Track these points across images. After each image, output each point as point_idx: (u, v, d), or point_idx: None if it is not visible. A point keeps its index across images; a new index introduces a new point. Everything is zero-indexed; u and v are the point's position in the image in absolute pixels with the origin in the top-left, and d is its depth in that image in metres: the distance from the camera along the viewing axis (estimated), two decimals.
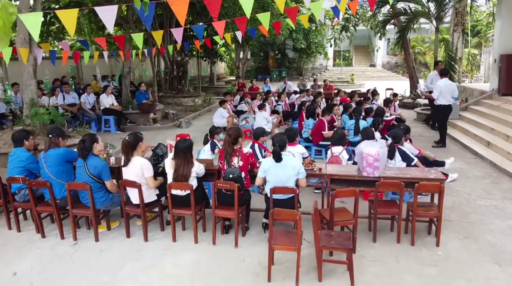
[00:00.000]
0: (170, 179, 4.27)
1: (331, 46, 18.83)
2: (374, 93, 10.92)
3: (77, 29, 18.11)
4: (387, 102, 9.09)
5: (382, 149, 4.33)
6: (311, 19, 28.25)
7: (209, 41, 11.57)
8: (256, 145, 5.68)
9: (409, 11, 11.55)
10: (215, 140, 6.11)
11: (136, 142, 4.32)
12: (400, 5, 12.81)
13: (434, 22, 11.50)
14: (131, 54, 11.93)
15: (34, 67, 8.24)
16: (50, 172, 4.40)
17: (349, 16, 12.89)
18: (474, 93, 12.61)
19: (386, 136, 7.56)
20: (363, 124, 7.74)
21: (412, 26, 12.20)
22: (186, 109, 14.28)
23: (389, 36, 33.43)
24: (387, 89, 15.11)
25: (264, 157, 5.71)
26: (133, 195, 4.37)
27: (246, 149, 4.52)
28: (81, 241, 4.53)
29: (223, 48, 28.16)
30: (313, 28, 29.38)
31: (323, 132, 7.55)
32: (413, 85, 15.04)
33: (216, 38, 10.63)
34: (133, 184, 4.26)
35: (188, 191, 4.15)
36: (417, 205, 4.16)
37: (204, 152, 6.12)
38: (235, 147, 4.45)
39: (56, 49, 18.76)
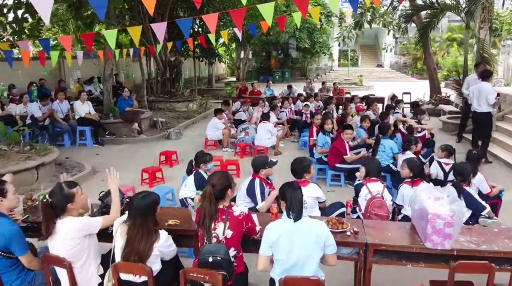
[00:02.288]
0: (118, 256, 2.67)
1: (339, 45, 17.26)
2: (396, 99, 9.30)
3: (61, 25, 16.56)
4: (418, 112, 7.44)
5: (456, 205, 2.73)
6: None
7: (203, 40, 10.08)
8: (257, 181, 4.08)
9: (436, 4, 9.96)
10: (201, 171, 4.53)
11: (63, 202, 2.71)
12: None
13: (464, 17, 9.89)
14: (114, 54, 10.41)
15: None
16: None
17: (363, 11, 11.33)
18: (506, 99, 11.00)
19: (421, 157, 6.02)
20: (387, 143, 6.13)
21: (437, 22, 10.61)
22: (179, 116, 12.67)
23: (397, 35, 31.84)
24: (404, 93, 13.48)
25: (268, 194, 4.12)
26: (64, 277, 2.78)
27: (240, 208, 2.85)
28: None
29: (223, 48, 26.64)
30: (318, 27, 27.81)
31: (345, 157, 5.95)
32: (434, 88, 13.41)
33: (211, 36, 9.10)
34: (60, 262, 2.67)
35: (145, 278, 2.55)
36: None
37: (186, 186, 4.54)
38: (221, 206, 2.82)
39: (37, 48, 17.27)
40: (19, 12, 10.16)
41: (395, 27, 15.02)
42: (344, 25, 17.65)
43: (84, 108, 9.12)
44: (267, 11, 5.60)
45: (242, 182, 4.25)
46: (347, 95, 13.55)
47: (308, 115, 9.77)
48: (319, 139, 6.46)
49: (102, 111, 10.46)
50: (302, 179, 3.86)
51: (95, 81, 13.23)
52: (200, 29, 16.35)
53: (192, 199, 4.11)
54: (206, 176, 4.42)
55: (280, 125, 9.23)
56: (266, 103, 11.09)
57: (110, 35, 6.78)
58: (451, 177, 5.31)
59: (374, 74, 30.60)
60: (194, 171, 4.51)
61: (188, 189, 4.43)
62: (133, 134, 9.81)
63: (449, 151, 5.47)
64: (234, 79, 27.74)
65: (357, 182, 4.15)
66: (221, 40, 23.63)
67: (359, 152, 6.48)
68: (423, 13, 12.30)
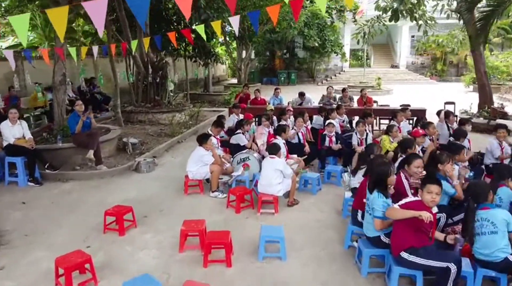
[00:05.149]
0: None
1: (358, 42, 14.54)
2: (459, 120, 6.53)
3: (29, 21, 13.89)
4: None
5: None
6: (329, 13, 23.94)
7: (189, 33, 7.52)
8: None
9: None
10: None
11: None
12: None
13: None
14: (66, 54, 7.73)
15: None
16: None
17: None
18: None
19: None
20: (494, 217, 3.33)
21: (501, 11, 7.85)
22: (161, 132, 9.91)
23: (413, 33, 29.00)
24: (447, 103, 10.65)
25: None
26: None
27: None
28: None
29: (223, 47, 23.96)
30: (328, 23, 25.08)
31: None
32: (485, 97, 10.58)
33: (199, 29, 6.52)
34: None
35: None
36: None
37: None
38: None
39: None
40: None
41: (428, 21, 12.18)
42: (364, 19, 14.91)
43: (14, 132, 6.38)
44: None
45: None
46: (374, 105, 10.74)
47: (333, 139, 7.00)
48: (373, 202, 3.63)
49: (52, 132, 7.76)
50: None
51: (37, 88, 10.39)
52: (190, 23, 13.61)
53: None
54: None
55: (292, 156, 6.47)
56: (274, 118, 8.35)
57: (19, 22, 4.25)
58: None
59: (389, 75, 27.80)
60: None
61: None
62: (90, 164, 7.08)
63: None
64: (235, 81, 25.04)
65: None
66: (220, 40, 20.99)
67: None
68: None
